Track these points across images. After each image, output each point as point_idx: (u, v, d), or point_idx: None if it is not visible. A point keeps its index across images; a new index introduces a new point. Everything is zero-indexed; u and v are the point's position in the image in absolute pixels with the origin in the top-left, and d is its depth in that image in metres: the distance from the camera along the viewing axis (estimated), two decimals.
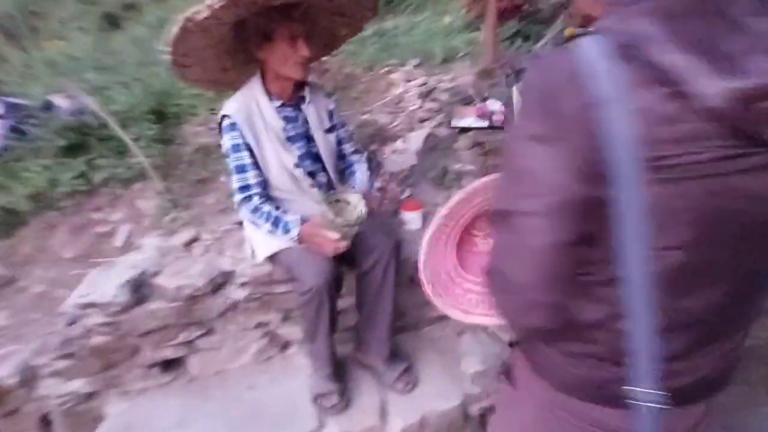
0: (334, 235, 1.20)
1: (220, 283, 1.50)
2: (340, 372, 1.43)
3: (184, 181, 2.04)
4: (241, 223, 1.82)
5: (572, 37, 1.97)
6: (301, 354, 1.60)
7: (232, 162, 1.33)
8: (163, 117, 2.19)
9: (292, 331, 1.60)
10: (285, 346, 1.64)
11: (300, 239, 1.27)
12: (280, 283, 1.51)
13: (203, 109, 2.27)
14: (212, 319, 1.51)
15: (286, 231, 1.28)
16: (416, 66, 2.79)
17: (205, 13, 1.09)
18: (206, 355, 1.54)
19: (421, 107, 2.35)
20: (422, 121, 2.29)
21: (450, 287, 0.88)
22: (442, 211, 0.80)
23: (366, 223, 1.26)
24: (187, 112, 2.26)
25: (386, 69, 2.74)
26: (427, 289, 0.84)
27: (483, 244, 0.91)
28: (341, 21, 1.43)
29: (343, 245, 1.23)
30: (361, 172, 1.52)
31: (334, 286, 1.26)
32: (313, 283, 1.20)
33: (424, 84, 2.49)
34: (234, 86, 1.54)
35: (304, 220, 1.29)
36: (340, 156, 1.55)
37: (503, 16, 2.64)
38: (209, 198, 2.01)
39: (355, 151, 1.58)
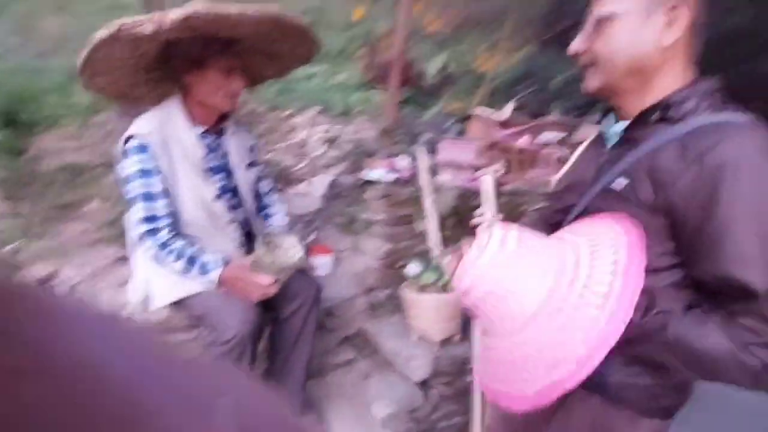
0: (267, 279, 1.14)
1: None
2: None
3: (38, 204, 1.66)
4: (122, 259, 1.57)
5: (455, 113, 2.37)
6: None
7: (136, 189, 1.16)
8: (14, 123, 1.77)
9: None
10: None
11: (220, 282, 1.17)
12: (180, 330, 1.34)
13: (73, 121, 1.92)
14: None
15: (204, 272, 1.16)
16: (318, 113, 2.92)
17: (149, 28, 1.00)
18: None
19: (325, 153, 2.45)
20: (326, 167, 2.38)
21: None
22: None
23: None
24: (49, 122, 1.88)
25: (289, 112, 2.78)
26: None
27: None
28: (272, 63, 1.45)
29: (273, 290, 1.17)
30: (281, 215, 1.48)
31: (257, 336, 1.18)
32: (236, 332, 1.10)
33: (328, 132, 2.61)
34: (139, 102, 1.39)
35: (226, 261, 1.19)
36: (257, 195, 1.50)
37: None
38: (75, 226, 1.67)
39: (272, 190, 1.54)
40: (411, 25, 3.08)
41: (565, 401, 0.70)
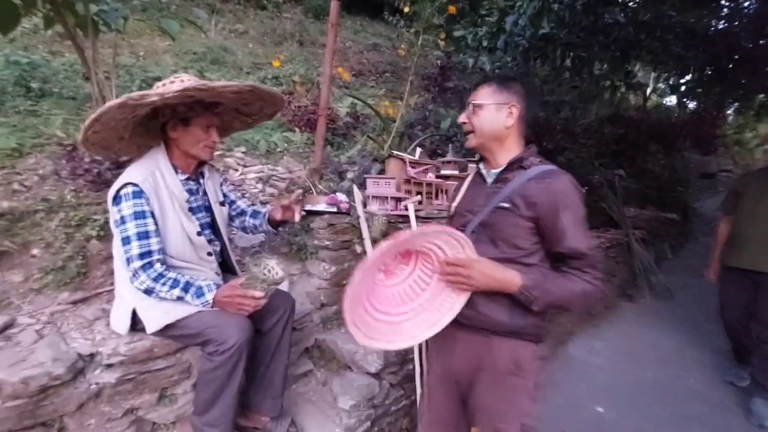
0: (259, 293, 1.37)
1: (80, 368, 1.31)
2: None
3: None
4: (78, 301, 1.61)
5: (370, 153, 2.87)
6: None
7: (132, 229, 1.32)
8: None
9: (164, 414, 1.49)
10: None
11: (214, 302, 1.36)
12: (160, 358, 1.45)
13: None
14: (66, 414, 1.26)
15: (200, 295, 1.35)
16: (244, 153, 3.11)
17: (153, 98, 1.22)
18: None
19: (262, 191, 2.67)
20: (264, 203, 2.60)
21: (364, 318, 1.05)
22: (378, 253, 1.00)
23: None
24: None
25: (218, 153, 2.93)
26: (349, 321, 0.99)
27: (395, 280, 1.16)
28: (242, 119, 1.72)
29: (263, 302, 1.39)
30: (263, 207, 1.74)
31: (251, 345, 1.38)
32: (237, 340, 1.30)
33: (261, 171, 2.84)
34: (117, 153, 1.53)
35: (217, 285, 1.39)
36: (242, 212, 1.72)
37: (313, 125, 3.39)
38: (15, 275, 1.63)
39: (252, 205, 1.78)
40: (316, 77, 3.49)
41: (488, 347, 1.15)
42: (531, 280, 1.08)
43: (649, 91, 8.42)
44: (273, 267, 1.44)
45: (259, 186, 2.70)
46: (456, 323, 1.17)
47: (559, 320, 3.20)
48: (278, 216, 1.65)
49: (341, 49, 6.27)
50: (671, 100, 9.57)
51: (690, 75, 5.90)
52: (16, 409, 1.16)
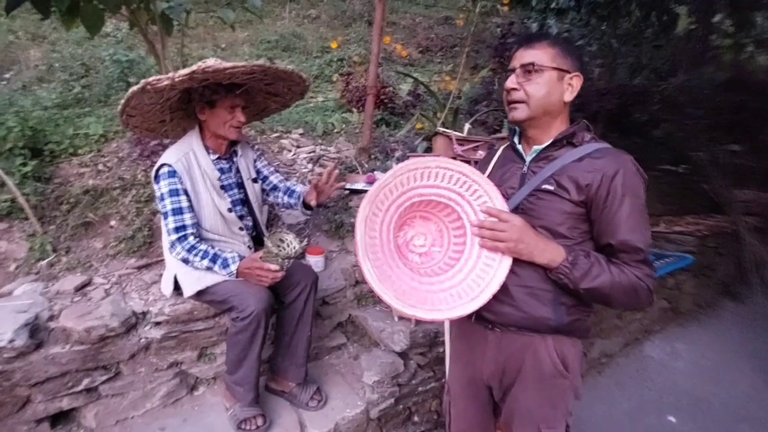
0: (275, 266, 1.44)
1: (133, 323, 1.51)
2: (258, 400, 1.57)
3: (63, 224, 1.90)
4: (143, 267, 1.84)
5: (421, 129, 2.78)
6: (210, 393, 1.67)
7: (168, 205, 1.45)
8: (39, 154, 2.03)
9: (205, 370, 1.66)
10: (194, 387, 1.67)
11: (238, 273, 1.46)
12: (200, 320, 1.61)
13: (86, 150, 2.18)
14: (121, 361, 1.48)
15: (225, 266, 1.46)
16: (301, 135, 3.24)
17: (165, 82, 1.31)
18: (108, 402, 1.47)
19: (311, 171, 2.77)
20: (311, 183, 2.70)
21: (384, 269, 0.94)
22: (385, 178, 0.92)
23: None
24: (68, 152, 2.13)
25: (276, 134, 3.10)
26: (359, 251, 0.90)
27: (420, 248, 1.03)
28: (274, 99, 1.78)
29: (280, 275, 1.47)
30: (298, 187, 1.78)
31: (270, 314, 1.47)
32: (255, 308, 1.39)
33: (313, 152, 2.94)
34: (165, 135, 1.70)
35: (241, 257, 1.49)
36: (275, 188, 1.78)
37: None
38: (96, 242, 1.93)
39: (286, 179, 1.84)
40: (381, 55, 3.47)
41: (528, 348, 1.02)
42: (573, 256, 0.93)
43: None
44: (290, 242, 1.49)
45: (309, 166, 2.80)
46: (485, 322, 1.05)
47: (635, 316, 2.83)
48: (312, 200, 1.67)
49: (410, 26, 6.13)
50: None
51: None
52: (80, 353, 1.38)
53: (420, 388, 1.84)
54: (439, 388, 1.88)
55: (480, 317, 1.06)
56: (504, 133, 2.69)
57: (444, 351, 1.76)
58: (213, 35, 5.15)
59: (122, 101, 1.36)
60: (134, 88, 1.34)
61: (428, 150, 2.71)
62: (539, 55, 0.97)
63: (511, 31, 4.11)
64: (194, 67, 1.32)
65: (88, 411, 1.44)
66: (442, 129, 2.61)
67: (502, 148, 1.15)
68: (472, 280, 0.98)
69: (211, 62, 1.41)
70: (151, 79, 1.33)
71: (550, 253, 0.93)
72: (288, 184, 1.82)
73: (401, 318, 1.88)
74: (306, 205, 1.72)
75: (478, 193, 0.97)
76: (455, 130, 2.70)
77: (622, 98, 3.80)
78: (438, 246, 1.04)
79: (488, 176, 1.09)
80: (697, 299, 3.16)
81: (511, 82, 1.00)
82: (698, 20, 3.58)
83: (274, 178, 1.81)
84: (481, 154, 2.49)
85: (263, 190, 1.79)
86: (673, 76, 3.52)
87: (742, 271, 3.47)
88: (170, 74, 1.36)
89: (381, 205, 0.96)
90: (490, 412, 1.18)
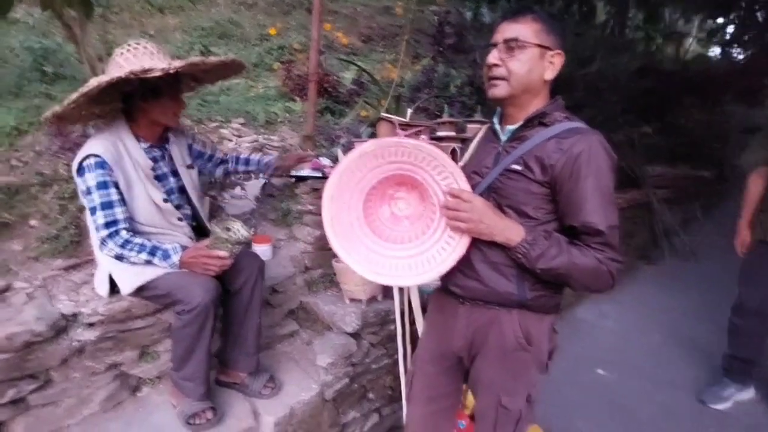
0: (223, 253, 1.40)
1: (63, 326, 1.41)
2: (209, 394, 1.53)
3: None
4: (70, 267, 1.71)
5: (366, 117, 2.81)
6: (155, 393, 1.60)
7: (97, 199, 1.36)
8: None
9: (148, 369, 1.59)
10: (137, 388, 1.59)
11: (181, 264, 1.40)
12: (139, 318, 1.53)
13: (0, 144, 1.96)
14: (51, 368, 1.37)
15: (166, 257, 1.40)
16: (242, 125, 3.14)
17: (158, 73, 1.24)
18: (39, 413, 1.36)
19: None
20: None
21: (350, 236, 1.03)
22: (352, 155, 0.97)
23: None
24: None
25: (216, 124, 2.97)
26: (326, 222, 0.98)
27: (398, 209, 1.08)
28: (193, 83, 1.72)
29: (229, 263, 1.43)
30: (248, 155, 1.89)
31: (218, 304, 1.43)
32: (201, 299, 1.34)
33: (256, 141, 2.86)
34: (75, 122, 1.58)
35: (183, 247, 1.43)
36: (222, 161, 1.83)
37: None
38: (15, 245, 1.75)
39: (226, 153, 1.89)
40: (322, 42, 3.43)
41: (494, 321, 1.06)
42: (533, 236, 0.95)
43: (691, 41, 7.68)
44: (238, 228, 1.46)
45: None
46: (456, 297, 1.11)
47: None
48: (292, 162, 1.89)
49: (351, 14, 6.07)
50: (716, 50, 8.70)
51: (735, 20, 5.32)
52: (3, 362, 1.26)
53: (373, 366, 1.90)
54: (392, 364, 1.95)
55: (451, 292, 1.12)
56: (444, 117, 2.79)
57: (395, 329, 1.82)
58: (140, 21, 4.77)
59: (83, 89, 1.24)
60: (104, 78, 1.23)
61: (372, 136, 2.74)
62: (523, 30, 0.96)
63: (447, 20, 4.23)
64: (195, 60, 1.33)
65: (16, 424, 1.33)
66: (385, 115, 2.66)
67: (485, 127, 1.17)
68: (436, 251, 1.03)
69: (148, 46, 1.36)
70: (135, 68, 1.23)
71: (510, 232, 0.96)
72: (237, 154, 1.87)
73: (352, 300, 1.91)
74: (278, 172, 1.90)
75: (444, 174, 1.00)
76: (399, 116, 2.76)
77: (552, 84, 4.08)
78: (413, 220, 1.08)
79: (470, 156, 1.14)
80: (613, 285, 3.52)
81: (493, 57, 0.99)
82: (614, 13, 3.92)
83: (218, 153, 1.81)
84: (423, 138, 2.57)
85: (207, 170, 1.77)
86: (591, 64, 3.84)
87: (655, 238, 3.92)
88: (164, 65, 1.26)
89: (358, 170, 1.01)
90: (460, 380, 1.24)
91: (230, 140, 2.84)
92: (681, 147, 5.11)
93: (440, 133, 2.80)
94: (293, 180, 2.43)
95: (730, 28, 5.80)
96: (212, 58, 1.39)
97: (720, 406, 2.10)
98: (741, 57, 7.64)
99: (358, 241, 1.05)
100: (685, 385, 2.26)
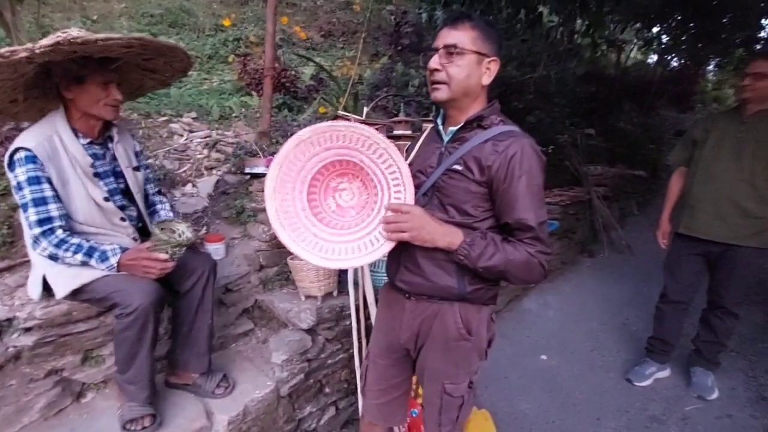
0: (163, 256, 1.37)
1: None
2: (152, 397, 1.48)
3: None
4: (1, 270, 1.62)
5: (324, 114, 2.84)
6: (101, 398, 1.55)
7: (28, 195, 1.29)
8: None
9: (92, 374, 1.53)
10: (80, 394, 1.53)
11: (120, 266, 1.35)
12: (81, 321, 1.48)
13: None
14: None
15: (104, 259, 1.34)
16: (194, 119, 3.04)
17: (22, 54, 1.15)
18: None
19: (207, 157, 2.63)
20: (209, 169, 2.57)
21: (297, 226, 1.05)
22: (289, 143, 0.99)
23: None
24: None
25: (165, 118, 2.86)
26: (271, 213, 1.00)
27: (344, 201, 1.11)
28: (151, 76, 1.65)
29: (171, 266, 1.39)
30: (165, 211, 1.68)
31: (159, 307, 1.39)
32: (140, 303, 1.30)
33: (209, 136, 2.79)
34: (16, 117, 1.48)
35: (123, 249, 1.39)
36: (146, 196, 1.67)
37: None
38: None
39: (158, 192, 1.74)
40: (277, 37, 3.38)
41: (437, 314, 1.13)
42: (471, 238, 1.02)
43: (634, 48, 8.26)
44: (182, 230, 1.44)
45: (205, 152, 2.66)
46: (403, 292, 1.17)
47: None
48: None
49: (311, 8, 5.99)
50: (654, 57, 9.42)
51: (670, 30, 5.78)
52: None
53: (329, 361, 1.94)
54: (348, 358, 1.99)
55: (397, 287, 1.19)
56: (401, 116, 2.86)
57: (350, 324, 1.87)
58: (81, 5, 4.47)
59: None
60: None
61: None
62: (461, 36, 1.02)
63: (404, 19, 4.30)
64: (58, 38, 1.16)
65: None
66: (342, 113, 2.68)
67: (429, 127, 1.22)
68: (374, 237, 1.07)
69: (77, 32, 1.27)
70: (2, 50, 1.15)
71: (450, 237, 1.03)
72: (156, 200, 1.70)
73: (308, 297, 1.94)
74: None
75: (379, 152, 1.04)
76: (356, 114, 2.79)
77: (503, 87, 4.27)
78: (358, 210, 1.12)
79: (415, 154, 1.19)
80: (562, 258, 3.77)
81: (434, 62, 1.04)
82: (562, 21, 4.15)
83: (151, 187, 1.69)
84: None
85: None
86: (536, 69, 4.06)
87: (594, 232, 4.22)
88: (28, 45, 1.18)
89: (297, 159, 1.03)
90: (410, 371, 1.31)
91: (181, 135, 2.75)
92: (620, 148, 5.53)
93: (397, 132, 2.88)
94: (248, 177, 2.41)
95: (666, 37, 6.30)
96: (95, 35, 1.20)
97: (643, 383, 2.33)
98: (675, 64, 8.34)
99: (306, 230, 1.07)
100: (616, 367, 2.49)
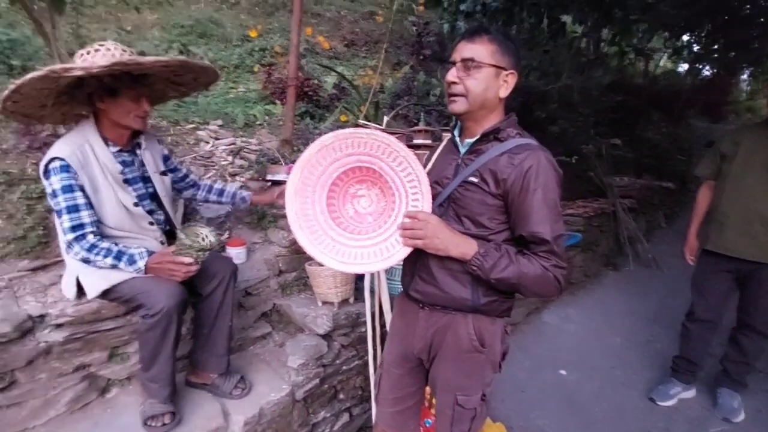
0: (188, 259, 1.43)
1: (29, 327, 1.40)
2: (173, 395, 1.53)
3: None
4: (36, 269, 1.70)
5: (345, 122, 2.88)
6: (124, 394, 1.61)
7: (62, 203, 1.36)
8: None
9: (117, 371, 1.60)
10: (105, 389, 1.59)
11: (147, 269, 1.41)
12: (109, 319, 1.54)
13: None
14: (16, 369, 1.37)
15: (132, 262, 1.41)
16: (220, 127, 3.14)
17: (78, 72, 1.23)
18: (3, 414, 1.35)
19: (231, 163, 2.71)
20: (233, 175, 2.65)
21: (315, 229, 1.06)
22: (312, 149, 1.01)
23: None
24: None
25: (192, 125, 2.97)
26: (290, 215, 1.01)
27: (362, 207, 1.12)
28: (176, 88, 1.72)
29: (195, 269, 1.44)
30: (222, 186, 1.89)
31: (183, 309, 1.44)
32: (164, 305, 1.35)
33: (233, 144, 2.87)
34: (41, 120, 1.58)
35: (150, 252, 1.45)
36: (192, 185, 1.83)
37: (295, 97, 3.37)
38: None
39: (200, 178, 1.87)
40: (301, 47, 3.46)
41: (451, 325, 1.13)
42: (485, 249, 1.02)
43: (663, 57, 8.05)
44: (206, 235, 1.48)
45: (229, 158, 2.73)
46: (417, 302, 1.18)
47: None
48: (273, 200, 1.89)
49: (335, 18, 6.12)
50: (685, 66, 9.13)
51: (700, 39, 5.60)
52: None
53: (344, 367, 1.95)
54: (362, 365, 2.00)
55: (412, 297, 1.19)
56: (421, 125, 2.87)
57: (366, 330, 1.88)
58: (116, 16, 4.69)
59: (12, 87, 1.24)
60: (33, 75, 1.23)
61: None
62: (479, 50, 1.02)
63: (426, 30, 4.33)
64: (115, 60, 1.25)
65: None
66: (362, 121, 2.72)
67: (447, 138, 1.24)
68: (390, 244, 1.08)
69: (117, 47, 1.35)
70: (57, 67, 1.22)
71: (464, 247, 1.03)
72: (211, 183, 1.87)
73: (325, 303, 1.96)
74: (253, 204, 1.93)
75: (398, 160, 1.05)
76: (376, 123, 2.82)
77: (525, 97, 4.24)
78: (376, 216, 1.12)
79: (432, 164, 1.21)
80: (585, 270, 3.68)
81: (451, 75, 1.05)
82: (587, 30, 4.10)
83: (194, 176, 1.83)
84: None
85: (179, 187, 1.77)
86: (559, 78, 4.02)
87: (619, 245, 4.10)
88: (84, 64, 1.26)
89: (318, 164, 1.06)
90: (423, 380, 1.31)
91: (207, 142, 2.84)
92: (647, 159, 5.38)
93: (416, 141, 2.90)
94: (269, 184, 2.47)
95: (697, 47, 6.12)
96: (146, 58, 1.33)
97: (667, 403, 2.24)
98: (708, 73, 8.08)
99: (324, 234, 1.09)
100: (639, 385, 2.40)
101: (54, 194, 1.37)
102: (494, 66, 1.03)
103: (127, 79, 1.41)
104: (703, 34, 5.39)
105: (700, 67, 7.53)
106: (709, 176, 2.15)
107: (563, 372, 2.53)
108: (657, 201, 4.98)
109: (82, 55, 1.36)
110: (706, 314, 2.14)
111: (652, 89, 6.67)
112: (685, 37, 6.08)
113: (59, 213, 1.37)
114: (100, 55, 1.34)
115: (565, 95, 4.84)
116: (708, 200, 2.15)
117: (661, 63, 8.34)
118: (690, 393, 2.28)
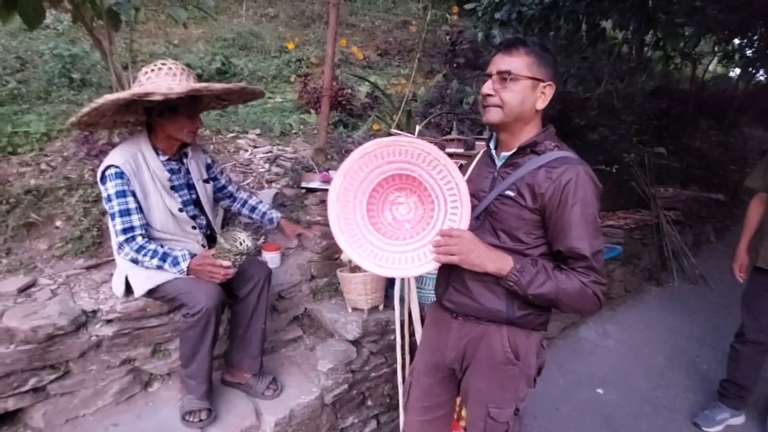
0: (227, 263, 1.50)
1: (83, 321, 1.51)
2: (210, 392, 1.60)
3: (2, 225, 1.85)
4: (90, 267, 1.83)
5: (378, 130, 2.92)
6: (165, 388, 1.69)
7: (116, 207, 1.46)
8: None
9: (159, 366, 1.68)
10: (148, 383, 1.68)
11: (189, 270, 1.50)
12: (153, 317, 1.63)
13: (27, 149, 2.11)
14: (71, 360, 1.48)
15: (176, 264, 1.49)
16: (258, 135, 3.26)
17: (158, 98, 1.33)
18: (57, 402, 1.46)
19: (268, 171, 2.81)
20: (270, 182, 2.74)
21: (354, 233, 1.08)
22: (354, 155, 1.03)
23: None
24: (6, 150, 2.05)
25: (233, 134, 3.11)
26: (332, 218, 1.04)
27: (400, 214, 1.13)
28: (220, 103, 1.83)
29: (233, 272, 1.52)
30: (259, 199, 1.98)
31: (221, 309, 1.51)
32: (205, 305, 1.43)
33: (270, 152, 2.98)
34: (95, 127, 1.71)
35: (192, 255, 1.53)
36: (229, 196, 1.92)
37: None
38: (41, 243, 1.88)
39: (239, 189, 1.95)
40: (336, 58, 3.55)
41: (484, 336, 1.12)
42: (521, 265, 1.01)
43: (713, 61, 7.62)
44: (243, 239, 1.55)
45: (266, 166, 2.84)
46: (450, 312, 1.18)
47: None
48: (291, 237, 1.99)
49: (369, 28, 6.24)
50: (737, 70, 8.59)
51: (752, 42, 5.28)
52: (27, 352, 1.37)
53: (373, 374, 1.96)
54: (391, 373, 2.00)
55: (445, 307, 1.19)
56: (453, 134, 2.87)
57: (395, 339, 1.88)
58: (165, 31, 5.00)
59: (92, 105, 1.36)
60: (120, 95, 1.35)
61: None
62: (515, 63, 1.02)
63: (460, 39, 4.33)
64: (191, 87, 1.38)
65: (35, 411, 1.43)
66: (394, 130, 2.75)
67: (482, 151, 1.23)
68: (427, 250, 1.07)
69: (174, 67, 1.46)
70: (140, 91, 1.35)
71: (500, 262, 1.01)
72: (247, 197, 1.95)
73: (355, 309, 1.98)
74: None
75: (438, 168, 1.05)
76: (408, 132, 2.84)
77: (564, 104, 4.13)
78: (414, 224, 1.13)
79: (468, 176, 1.19)
80: (626, 285, 3.51)
81: (487, 87, 1.05)
82: (629, 35, 3.96)
83: (232, 188, 1.91)
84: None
85: (217, 196, 1.86)
86: (600, 85, 3.89)
87: (663, 259, 3.89)
88: (164, 90, 1.35)
89: (360, 170, 1.07)
90: (454, 391, 1.29)
91: (246, 150, 2.96)
92: (695, 169, 5.08)
93: (448, 150, 2.89)
94: (303, 191, 2.53)
95: (750, 50, 5.76)
96: (216, 85, 1.46)
97: (713, 429, 2.09)
98: (762, 78, 7.56)
99: (363, 238, 1.10)
100: (682, 409, 2.25)
101: (108, 199, 1.48)
102: (531, 78, 1.02)
103: (188, 98, 1.50)
104: (755, 38, 5.08)
105: (753, 71, 7.06)
106: (762, 188, 2.04)
107: (600, 391, 2.42)
108: (705, 213, 4.69)
109: (146, 73, 1.47)
110: (757, 336, 1.99)
111: (701, 95, 6.31)
112: (737, 41, 5.75)
113: (112, 216, 1.48)
114: (163, 74, 1.44)
115: (606, 102, 4.68)
116: (760, 214, 2.04)
117: (711, 68, 7.89)
118: (739, 419, 2.13)
